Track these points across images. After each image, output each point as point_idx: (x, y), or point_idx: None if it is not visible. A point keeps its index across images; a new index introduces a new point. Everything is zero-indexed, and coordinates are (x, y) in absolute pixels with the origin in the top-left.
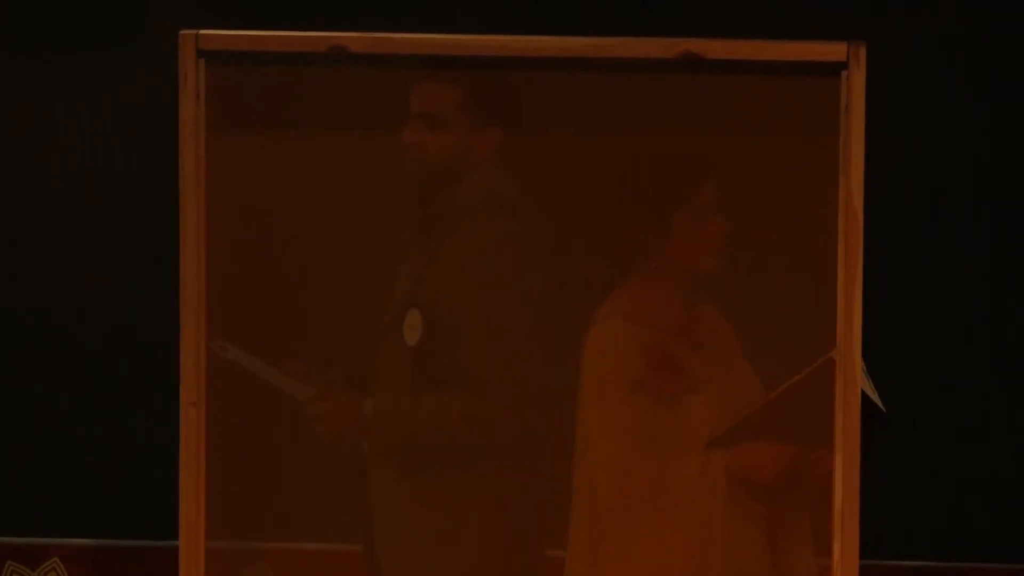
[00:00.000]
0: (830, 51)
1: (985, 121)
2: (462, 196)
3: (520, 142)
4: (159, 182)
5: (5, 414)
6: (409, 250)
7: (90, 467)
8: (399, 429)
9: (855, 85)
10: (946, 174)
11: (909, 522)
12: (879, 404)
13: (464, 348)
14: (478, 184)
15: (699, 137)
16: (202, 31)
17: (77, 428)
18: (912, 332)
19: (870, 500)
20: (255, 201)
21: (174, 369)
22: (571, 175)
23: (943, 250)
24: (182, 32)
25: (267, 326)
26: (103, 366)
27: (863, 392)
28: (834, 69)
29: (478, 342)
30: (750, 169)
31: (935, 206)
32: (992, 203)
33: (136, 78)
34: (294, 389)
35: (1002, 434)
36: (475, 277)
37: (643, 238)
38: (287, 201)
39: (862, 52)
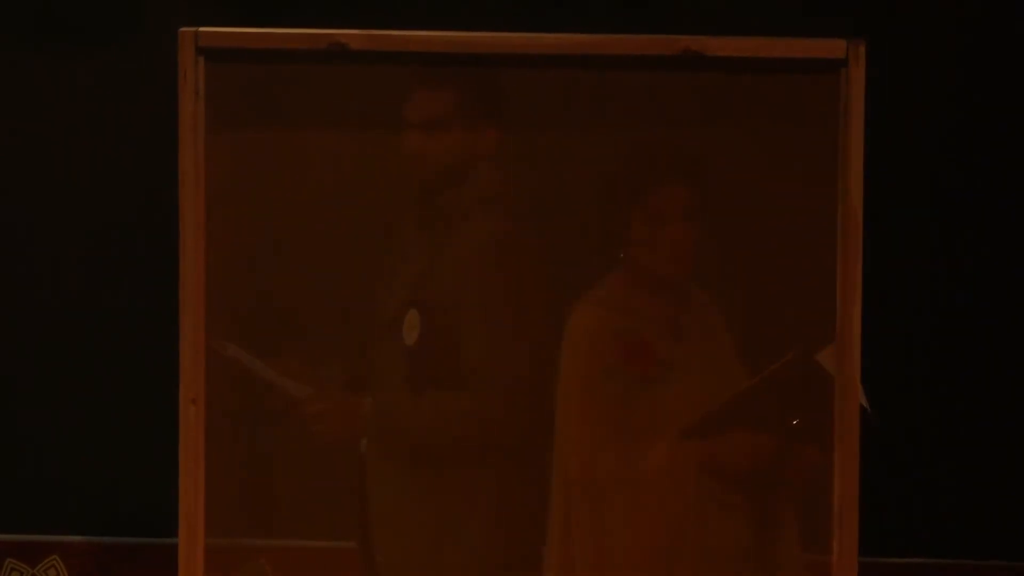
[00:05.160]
0: (829, 48)
1: (985, 120)
2: (462, 196)
3: (519, 140)
4: (158, 180)
5: (5, 412)
6: (410, 249)
7: (90, 464)
8: (397, 428)
9: (854, 83)
10: (945, 172)
11: (908, 520)
12: (866, 405)
13: (463, 347)
14: (478, 183)
15: (698, 134)
16: (201, 28)
17: (77, 425)
18: (912, 331)
19: (868, 498)
20: (255, 199)
21: (173, 366)
22: (570, 173)
23: (942, 248)
24: (182, 30)
25: (266, 324)
26: (103, 364)
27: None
28: (834, 67)
29: (477, 341)
30: (749, 167)
31: (934, 204)
32: (991, 202)
33: (135, 76)
34: (292, 388)
35: (1002, 433)
36: (474, 276)
37: (614, 236)
38: (287, 199)
39: (861, 50)
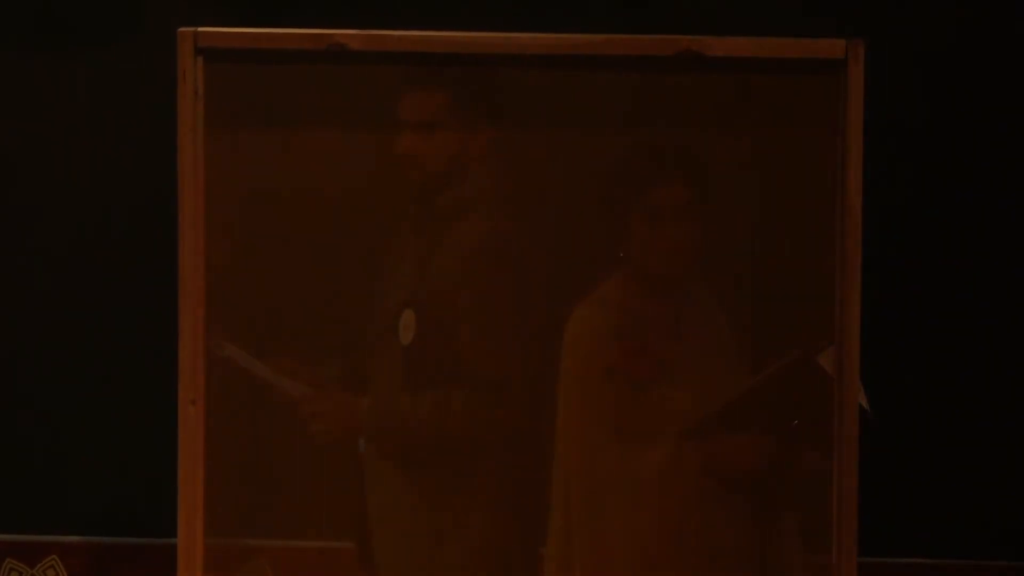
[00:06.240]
0: (829, 49)
1: (984, 120)
2: (459, 196)
3: (518, 140)
4: (158, 180)
5: (4, 412)
6: (406, 249)
7: (89, 465)
8: (394, 427)
9: (854, 83)
10: (945, 172)
11: (908, 520)
12: (866, 406)
13: (459, 346)
14: (473, 183)
15: (698, 134)
16: (200, 28)
17: (76, 425)
18: (912, 331)
19: (868, 498)
20: (254, 199)
21: (173, 366)
22: (569, 173)
23: (941, 247)
24: (180, 29)
25: (264, 324)
26: (102, 364)
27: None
28: (833, 67)
29: (473, 340)
30: (748, 166)
31: (934, 204)
32: (991, 201)
33: (135, 76)
34: (289, 387)
35: (1002, 433)
36: (469, 276)
37: (613, 235)
38: (286, 199)
39: (861, 50)
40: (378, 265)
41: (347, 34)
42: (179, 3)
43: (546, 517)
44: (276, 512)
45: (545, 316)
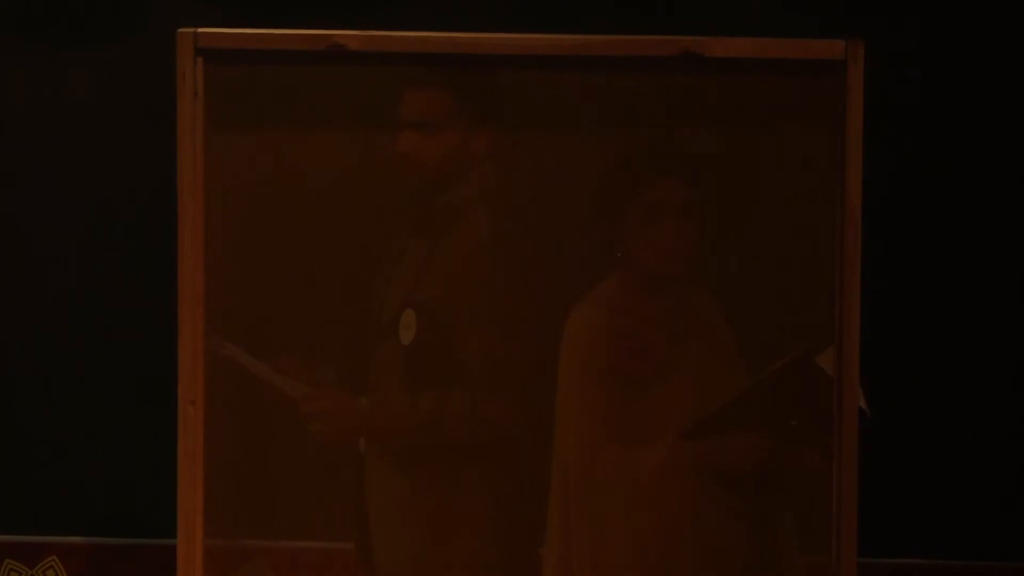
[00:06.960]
0: (829, 49)
1: (985, 119)
2: (459, 196)
3: (517, 140)
4: (158, 180)
5: (3, 412)
6: (407, 249)
7: (88, 465)
8: (395, 427)
9: (854, 83)
10: (945, 172)
11: (907, 520)
12: (864, 407)
13: (459, 347)
14: (474, 183)
15: (698, 134)
16: (200, 29)
17: (77, 425)
18: (911, 330)
19: (867, 498)
20: (253, 199)
21: (173, 367)
22: (568, 173)
23: (942, 246)
24: (180, 30)
25: (264, 324)
26: (102, 364)
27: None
28: (833, 67)
29: (473, 340)
30: (749, 167)
31: (933, 203)
32: (991, 201)
33: (135, 76)
34: (289, 387)
35: (1002, 433)
36: (469, 275)
37: (611, 234)
38: (285, 199)
39: (861, 50)
40: (378, 265)
41: (347, 35)
42: (179, 3)
43: (546, 517)
44: (276, 512)
45: (545, 316)
